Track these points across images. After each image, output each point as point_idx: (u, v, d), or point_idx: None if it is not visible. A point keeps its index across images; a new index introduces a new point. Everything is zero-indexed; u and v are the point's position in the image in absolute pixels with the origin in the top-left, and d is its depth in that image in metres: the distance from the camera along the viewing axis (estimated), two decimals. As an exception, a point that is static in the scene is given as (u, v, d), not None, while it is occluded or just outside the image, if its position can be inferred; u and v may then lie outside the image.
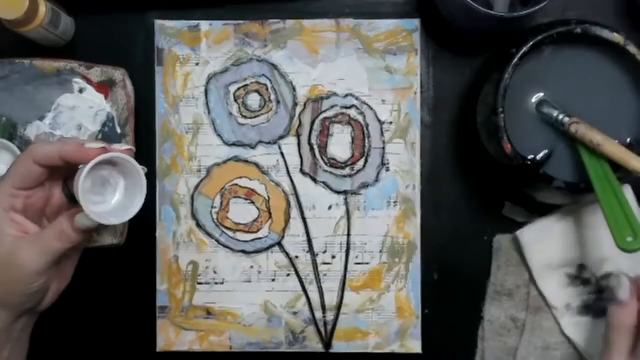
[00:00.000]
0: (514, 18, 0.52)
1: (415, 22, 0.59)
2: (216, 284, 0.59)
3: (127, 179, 0.45)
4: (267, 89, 0.60)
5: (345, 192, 0.59)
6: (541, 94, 0.54)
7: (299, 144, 0.60)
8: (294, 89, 0.59)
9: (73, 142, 0.42)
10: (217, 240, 0.59)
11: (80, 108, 0.58)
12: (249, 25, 0.60)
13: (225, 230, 0.59)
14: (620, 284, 0.51)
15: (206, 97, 0.60)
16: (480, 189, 0.60)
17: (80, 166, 0.43)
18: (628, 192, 0.56)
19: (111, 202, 0.45)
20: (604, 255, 0.57)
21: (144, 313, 0.59)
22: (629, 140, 0.52)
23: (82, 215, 0.42)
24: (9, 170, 0.43)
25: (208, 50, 0.60)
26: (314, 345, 0.59)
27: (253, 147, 0.60)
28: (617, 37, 0.51)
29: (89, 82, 0.58)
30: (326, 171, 0.59)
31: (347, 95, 0.59)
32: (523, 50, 0.50)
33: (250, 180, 0.59)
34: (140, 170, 0.44)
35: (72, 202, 0.46)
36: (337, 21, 0.59)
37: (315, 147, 0.59)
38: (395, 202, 0.59)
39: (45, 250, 0.42)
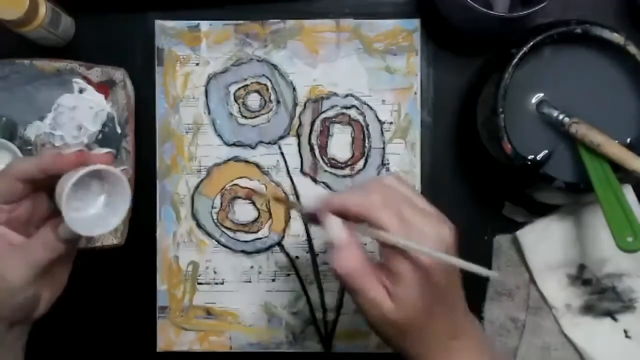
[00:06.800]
0: (514, 18, 0.52)
1: (415, 22, 0.59)
2: (216, 284, 0.59)
3: (110, 185, 0.43)
4: (267, 89, 0.60)
5: (345, 192, 0.59)
6: (541, 94, 0.54)
7: (299, 144, 0.60)
8: (294, 89, 0.60)
9: (50, 152, 0.41)
10: (217, 240, 0.59)
11: (80, 108, 0.58)
12: (249, 25, 0.60)
13: (225, 230, 0.59)
14: (329, 224, 0.40)
15: (206, 97, 0.60)
16: (480, 189, 0.60)
17: (64, 175, 0.42)
18: (628, 192, 0.56)
19: (93, 208, 0.43)
20: (604, 255, 0.57)
21: (144, 313, 0.59)
22: (629, 140, 0.52)
23: (65, 225, 0.41)
24: None
25: (208, 50, 0.60)
26: (314, 345, 0.59)
27: (253, 147, 0.60)
28: (617, 37, 0.51)
29: (89, 82, 0.58)
30: (326, 171, 0.59)
31: (347, 95, 0.59)
32: (523, 50, 0.50)
33: (251, 180, 0.59)
34: (124, 179, 0.42)
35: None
36: (337, 21, 0.59)
37: (315, 147, 0.59)
38: (395, 202, 0.59)
39: (30, 261, 0.42)
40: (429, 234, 0.40)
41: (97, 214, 0.43)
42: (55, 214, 0.45)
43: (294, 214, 0.59)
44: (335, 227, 0.41)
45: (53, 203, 0.44)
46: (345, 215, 0.41)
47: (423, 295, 0.40)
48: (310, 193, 0.59)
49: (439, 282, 0.40)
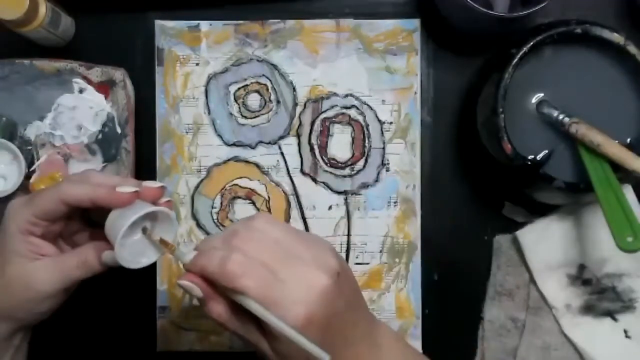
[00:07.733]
0: (514, 18, 0.52)
1: (415, 22, 0.59)
2: (216, 284, 0.59)
3: (155, 215, 0.43)
4: (267, 89, 0.60)
5: (345, 192, 0.59)
6: (541, 94, 0.54)
7: (299, 144, 0.60)
8: (294, 89, 0.60)
9: (105, 185, 0.41)
10: (217, 240, 0.59)
11: (80, 108, 0.58)
12: (249, 25, 0.60)
13: (225, 230, 0.59)
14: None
15: (206, 97, 0.60)
16: (480, 189, 0.60)
17: (117, 210, 0.42)
18: (628, 192, 0.56)
19: (136, 234, 0.43)
20: (604, 255, 0.57)
21: (144, 313, 0.59)
22: (629, 140, 0.52)
23: (110, 253, 0.41)
24: (33, 198, 0.42)
25: (208, 50, 0.60)
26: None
27: (253, 147, 0.60)
28: (617, 37, 0.51)
29: (89, 82, 0.58)
30: (326, 171, 0.59)
31: (347, 95, 0.59)
32: (523, 50, 0.50)
33: (250, 180, 0.59)
34: (174, 219, 0.43)
35: (92, 225, 0.46)
36: (337, 21, 0.59)
37: (315, 147, 0.59)
38: (395, 202, 0.59)
39: (64, 275, 0.43)
40: (296, 288, 0.37)
41: (139, 240, 0.43)
42: (84, 229, 0.46)
43: (294, 214, 0.59)
44: (194, 290, 0.39)
45: (83, 221, 0.46)
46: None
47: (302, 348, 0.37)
48: (310, 193, 0.59)
49: (316, 337, 0.37)
